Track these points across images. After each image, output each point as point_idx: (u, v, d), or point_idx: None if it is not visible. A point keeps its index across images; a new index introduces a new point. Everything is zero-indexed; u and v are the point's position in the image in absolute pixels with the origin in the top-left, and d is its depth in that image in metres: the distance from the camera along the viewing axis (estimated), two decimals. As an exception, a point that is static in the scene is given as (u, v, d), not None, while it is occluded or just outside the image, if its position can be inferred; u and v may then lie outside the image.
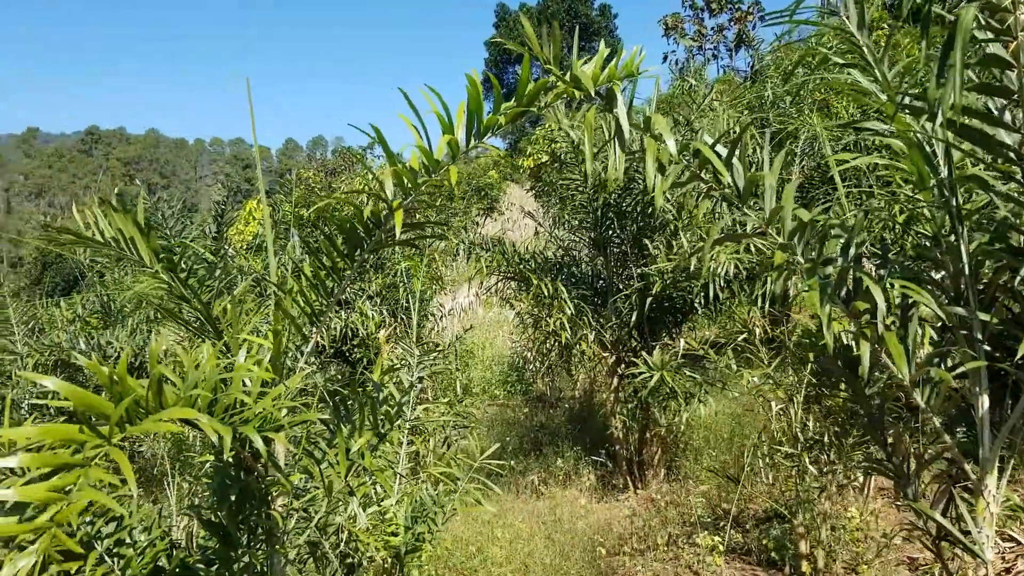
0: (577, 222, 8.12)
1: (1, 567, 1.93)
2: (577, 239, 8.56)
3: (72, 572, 3.16)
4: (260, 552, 3.00)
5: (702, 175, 2.67)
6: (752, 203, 2.75)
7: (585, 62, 2.52)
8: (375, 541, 4.83)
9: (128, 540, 2.96)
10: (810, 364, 5.64)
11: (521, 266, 7.64)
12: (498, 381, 13.13)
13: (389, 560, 4.94)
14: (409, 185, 2.84)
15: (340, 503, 3.71)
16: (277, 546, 3.08)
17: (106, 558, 2.91)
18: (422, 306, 9.70)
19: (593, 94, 2.45)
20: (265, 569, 3.04)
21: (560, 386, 12.27)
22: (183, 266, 3.56)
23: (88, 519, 2.91)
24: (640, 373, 6.89)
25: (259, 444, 2.38)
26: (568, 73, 2.48)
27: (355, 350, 10.05)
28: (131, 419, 2.16)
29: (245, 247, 14.45)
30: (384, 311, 10.33)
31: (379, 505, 4.98)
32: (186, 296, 3.46)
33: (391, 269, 11.07)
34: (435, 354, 5.52)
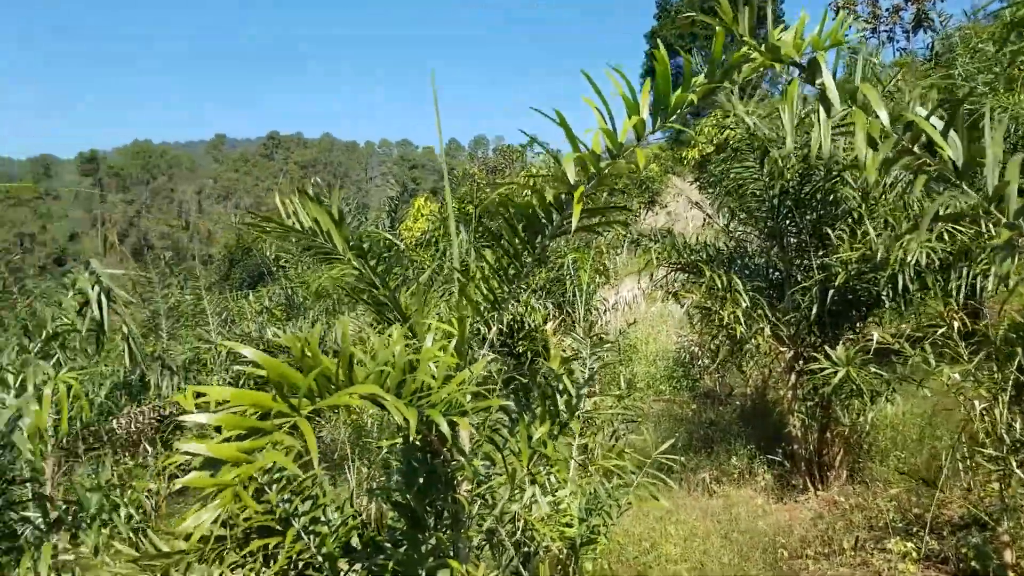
0: (748, 213, 7.81)
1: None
2: (749, 230, 8.24)
3: (271, 547, 3.33)
4: (446, 535, 3.04)
5: (914, 150, 2.45)
6: (970, 181, 2.50)
7: (782, 30, 2.38)
8: (551, 531, 4.83)
9: (322, 518, 3.08)
10: (1018, 359, 5.14)
11: (692, 257, 7.43)
12: (663, 376, 12.88)
13: (564, 551, 4.92)
14: (592, 170, 2.78)
15: (518, 491, 3.72)
16: (462, 530, 3.11)
17: (303, 535, 3.04)
18: (587, 299, 9.64)
19: (793, 64, 2.30)
20: (451, 552, 3.08)
21: (730, 382, 11.88)
22: (372, 254, 3.67)
23: (286, 496, 3.05)
24: (822, 369, 6.52)
25: (444, 428, 2.39)
26: (765, 44, 2.34)
27: (521, 343, 10.13)
28: (320, 392, 2.22)
29: (414, 243, 14.89)
30: (549, 304, 10.36)
31: (554, 496, 4.96)
32: (375, 282, 3.57)
33: (556, 263, 11.09)
34: (606, 346, 5.45)
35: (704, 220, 10.52)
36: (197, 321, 9.75)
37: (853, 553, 5.80)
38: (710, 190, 8.84)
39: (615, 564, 6.04)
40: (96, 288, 3.82)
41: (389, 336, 2.56)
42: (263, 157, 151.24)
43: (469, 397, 2.79)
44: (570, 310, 9.42)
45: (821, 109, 2.29)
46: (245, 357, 2.15)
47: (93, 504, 3.50)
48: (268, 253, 12.29)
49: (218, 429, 2.00)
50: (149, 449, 8.66)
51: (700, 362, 12.08)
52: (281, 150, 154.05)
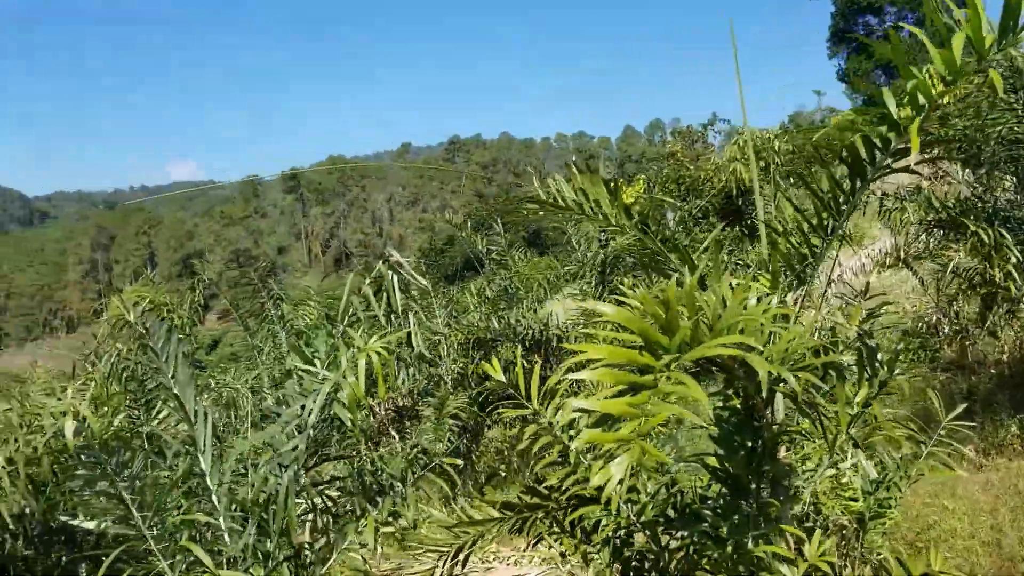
0: (1013, 160, 7.09)
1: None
2: (1007, 180, 7.50)
3: (579, 518, 3.34)
4: (768, 502, 2.92)
5: None
6: None
7: None
8: (837, 505, 4.58)
9: (638, 487, 3.05)
10: None
11: (950, 212, 6.83)
12: (902, 348, 12.01)
13: (852, 525, 4.66)
14: (923, 102, 2.56)
15: (838, 457, 3.54)
16: (781, 497, 2.98)
17: (622, 505, 3.02)
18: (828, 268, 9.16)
19: None
20: (773, 518, 2.95)
21: (982, 350, 10.90)
22: (652, 222, 3.60)
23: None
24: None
25: (792, 382, 2.28)
26: None
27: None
28: (680, 348, 2.16)
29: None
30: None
31: (836, 469, 4.70)
32: (658, 248, 3.50)
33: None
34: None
35: (935, 175, 9.72)
36: (426, 315, 10.14)
37: None
38: (956, 143, 8.13)
39: (892, 541, 5.66)
40: (392, 275, 3.99)
41: (745, 291, 2.47)
42: (446, 161, 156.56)
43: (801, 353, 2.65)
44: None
45: None
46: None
47: (403, 476, 3.67)
48: (480, 247, 12.59)
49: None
50: (395, 436, 9.11)
51: (943, 331, 11.17)
52: (462, 153, 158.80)
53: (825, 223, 2.91)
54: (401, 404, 10.54)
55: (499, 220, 13.63)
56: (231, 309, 10.76)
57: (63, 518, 4.09)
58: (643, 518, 2.97)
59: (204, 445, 4.04)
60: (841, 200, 2.83)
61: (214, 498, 3.94)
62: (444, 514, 3.44)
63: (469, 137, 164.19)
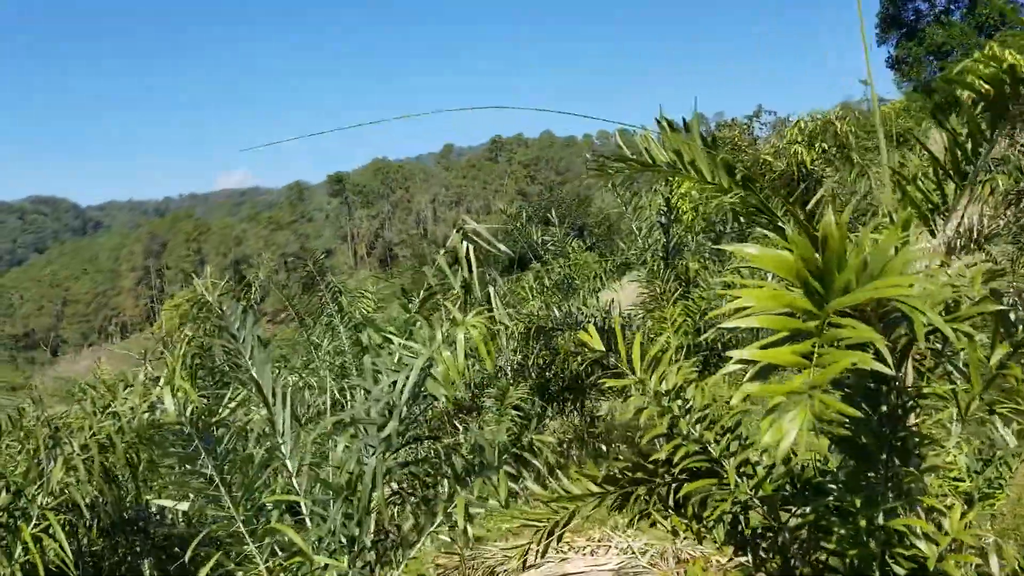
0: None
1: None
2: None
3: (680, 494, 3.13)
4: (904, 472, 2.69)
5: None
6: None
7: None
8: (945, 484, 4.30)
9: (753, 460, 2.84)
10: None
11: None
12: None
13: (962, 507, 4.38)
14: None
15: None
16: (914, 468, 2.74)
17: (738, 478, 2.81)
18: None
19: None
20: (906, 490, 2.72)
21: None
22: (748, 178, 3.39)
23: (716, 436, 2.84)
24: None
25: (949, 333, 2.05)
26: None
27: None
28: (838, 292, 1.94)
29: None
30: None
31: (940, 447, 4.41)
32: (763, 205, 3.29)
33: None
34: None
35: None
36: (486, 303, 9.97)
37: None
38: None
39: (997, 526, 5.34)
40: (466, 245, 3.83)
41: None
42: (488, 161, 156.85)
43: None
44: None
45: None
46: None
47: (495, 454, 3.50)
48: (536, 237, 12.42)
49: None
50: (458, 426, 8.98)
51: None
52: (504, 152, 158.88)
53: (962, 166, 2.67)
54: (459, 396, 10.41)
55: (553, 211, 13.46)
56: (281, 311, 10.73)
57: (156, 501, 4.00)
58: (760, 493, 2.76)
59: (283, 428, 3.92)
60: (979, 139, 2.58)
61: (294, 482, 3.82)
62: (539, 488, 3.25)
63: (511, 136, 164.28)
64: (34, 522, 4.14)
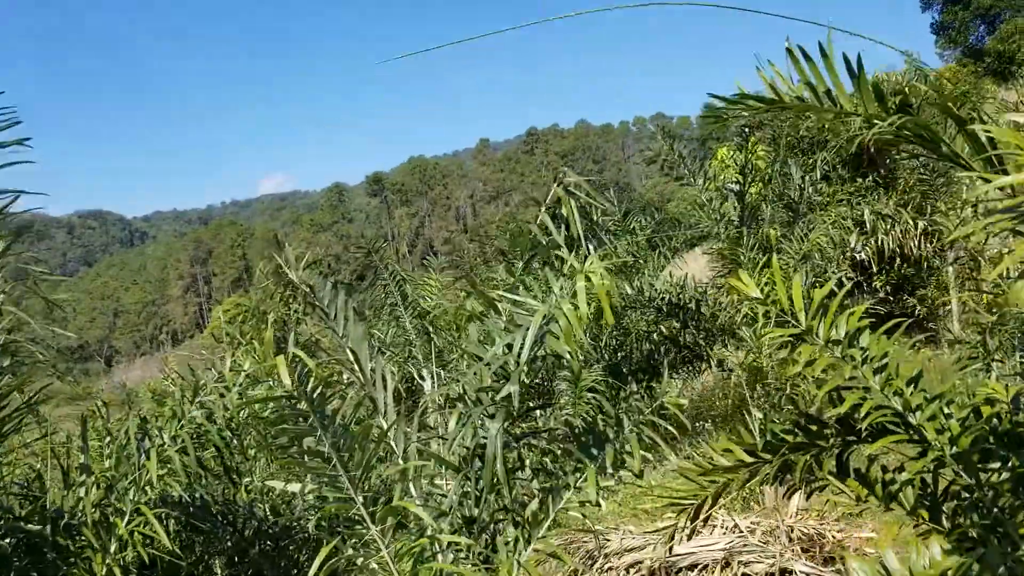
0: None
1: None
2: None
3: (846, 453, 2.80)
4: None
5: None
6: None
7: None
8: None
9: (944, 413, 2.49)
10: None
11: None
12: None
13: None
14: None
15: None
16: None
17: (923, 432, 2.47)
18: None
19: None
20: None
21: None
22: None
23: (895, 391, 2.50)
24: None
25: None
26: None
27: None
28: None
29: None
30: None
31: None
32: (927, 131, 2.94)
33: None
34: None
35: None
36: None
37: None
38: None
39: None
40: (571, 199, 3.53)
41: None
42: (524, 154, 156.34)
43: None
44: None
45: None
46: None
47: (624, 425, 3.20)
48: (597, 217, 12.07)
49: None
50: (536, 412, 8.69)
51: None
52: (540, 144, 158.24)
53: None
54: (530, 381, 10.12)
55: (611, 189, 13.09)
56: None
57: (269, 482, 3.77)
58: (955, 449, 2.42)
59: (385, 405, 3.66)
60: None
61: (400, 461, 3.57)
62: (678, 461, 2.95)
63: (546, 127, 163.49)
64: (127, 518, 3.95)
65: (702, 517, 2.89)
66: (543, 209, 3.61)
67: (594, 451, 3.18)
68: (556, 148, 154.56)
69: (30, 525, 3.81)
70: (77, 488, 4.02)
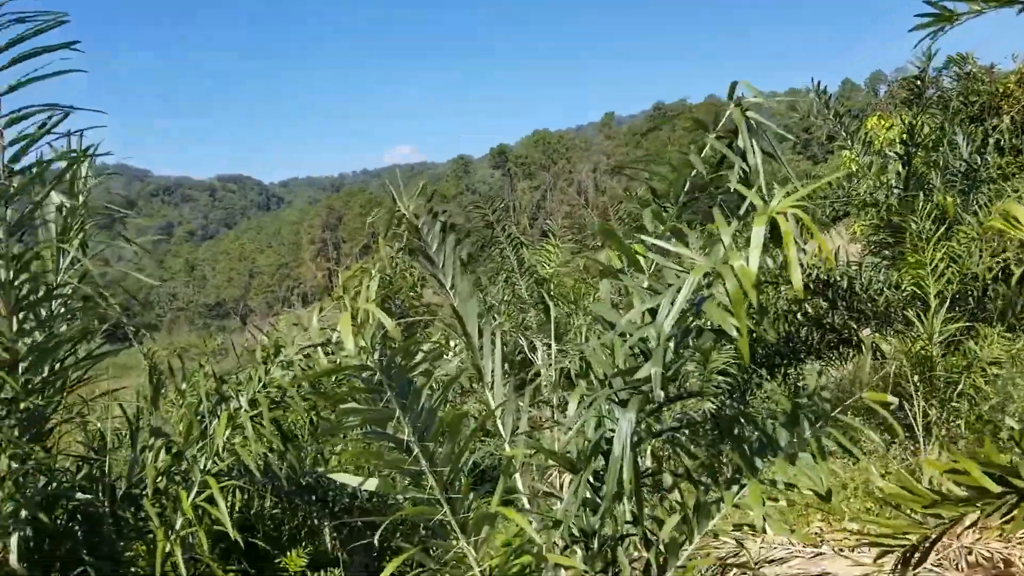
0: None
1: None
2: None
3: None
4: None
5: None
6: None
7: None
8: None
9: None
10: None
11: None
12: None
13: None
14: None
15: None
16: None
17: None
18: None
19: None
20: None
21: None
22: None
23: None
24: None
25: None
26: None
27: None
28: None
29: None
30: None
31: None
32: None
33: None
34: None
35: None
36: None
37: None
38: None
39: None
40: (744, 125, 2.73)
41: None
42: (651, 129, 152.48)
43: None
44: None
45: None
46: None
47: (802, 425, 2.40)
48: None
49: None
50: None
51: None
52: (667, 119, 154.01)
53: None
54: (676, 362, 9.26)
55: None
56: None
57: (333, 475, 3.20)
58: None
59: (493, 377, 2.98)
60: None
61: (507, 448, 2.88)
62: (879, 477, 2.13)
63: (674, 102, 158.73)
64: (196, 489, 3.45)
65: (913, 563, 2.07)
66: (712, 135, 2.83)
67: (757, 458, 2.39)
68: (684, 123, 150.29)
69: (86, 494, 3.36)
70: (142, 453, 3.55)
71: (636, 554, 2.61)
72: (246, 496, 4.78)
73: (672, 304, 2.20)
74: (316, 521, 5.09)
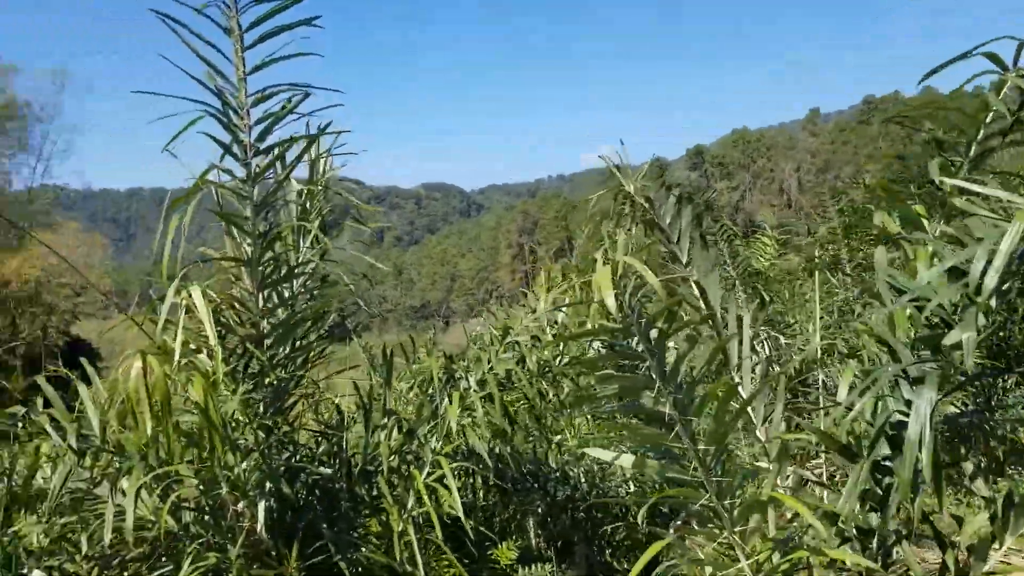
0: None
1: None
2: None
3: None
4: None
5: None
6: None
7: None
8: None
9: None
10: None
11: None
12: None
13: None
14: None
15: None
16: None
17: None
18: None
19: None
20: None
21: None
22: None
23: None
24: None
25: None
26: None
27: None
28: None
29: None
30: None
31: None
32: None
33: None
34: None
35: None
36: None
37: None
38: None
39: None
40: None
41: None
42: (860, 124, 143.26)
43: None
44: None
45: None
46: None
47: None
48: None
49: None
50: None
51: None
52: (878, 113, 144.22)
53: None
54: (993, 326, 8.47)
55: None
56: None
57: (586, 450, 3.06)
58: None
59: (739, 359, 2.72)
60: None
61: (759, 433, 2.61)
62: None
63: (886, 95, 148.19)
64: (427, 470, 3.42)
65: None
66: (1012, 72, 2.42)
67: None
68: (897, 118, 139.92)
69: (325, 468, 3.43)
70: (378, 431, 3.58)
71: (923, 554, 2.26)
72: (471, 482, 4.76)
73: (993, 256, 1.85)
74: (521, 517, 4.99)
